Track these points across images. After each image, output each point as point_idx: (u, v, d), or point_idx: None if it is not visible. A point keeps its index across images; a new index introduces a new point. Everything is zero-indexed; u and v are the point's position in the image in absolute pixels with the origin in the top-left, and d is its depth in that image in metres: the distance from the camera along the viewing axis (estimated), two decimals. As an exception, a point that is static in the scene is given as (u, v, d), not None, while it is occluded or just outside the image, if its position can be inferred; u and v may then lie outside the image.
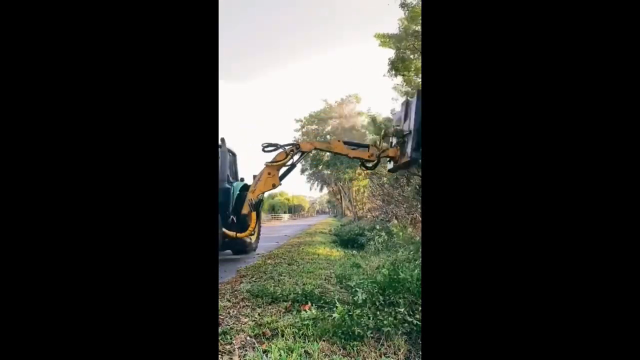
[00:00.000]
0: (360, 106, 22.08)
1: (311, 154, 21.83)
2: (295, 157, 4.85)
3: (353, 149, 4.97)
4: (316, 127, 22.24)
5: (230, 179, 6.05)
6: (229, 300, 2.78)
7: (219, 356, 1.72)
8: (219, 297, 2.87)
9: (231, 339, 1.95)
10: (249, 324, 2.19)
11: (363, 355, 1.83)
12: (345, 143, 4.82)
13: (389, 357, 1.86)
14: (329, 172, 21.08)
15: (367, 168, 5.04)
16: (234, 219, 5.40)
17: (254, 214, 5.15)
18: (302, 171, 22.37)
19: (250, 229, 5.15)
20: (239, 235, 5.15)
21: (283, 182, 5.00)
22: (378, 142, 4.88)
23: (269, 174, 4.88)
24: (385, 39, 9.68)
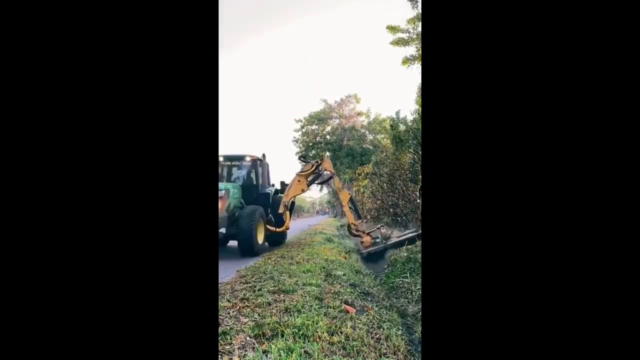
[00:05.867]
0: (360, 106, 22.07)
1: (311, 154, 21.85)
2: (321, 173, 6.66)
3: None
4: (316, 127, 22.24)
5: (271, 186, 7.32)
6: (229, 301, 2.78)
7: (219, 356, 1.72)
8: (219, 297, 2.87)
9: (231, 339, 1.95)
10: (248, 324, 2.19)
11: (363, 356, 1.83)
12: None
13: (388, 357, 1.86)
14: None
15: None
16: (272, 217, 6.68)
17: (287, 213, 6.71)
18: (302, 171, 22.35)
19: (286, 225, 6.70)
20: (278, 230, 6.53)
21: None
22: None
23: (299, 181, 6.53)
24: (396, 31, 9.54)
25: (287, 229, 7.02)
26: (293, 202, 7.25)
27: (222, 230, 5.46)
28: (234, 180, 6.93)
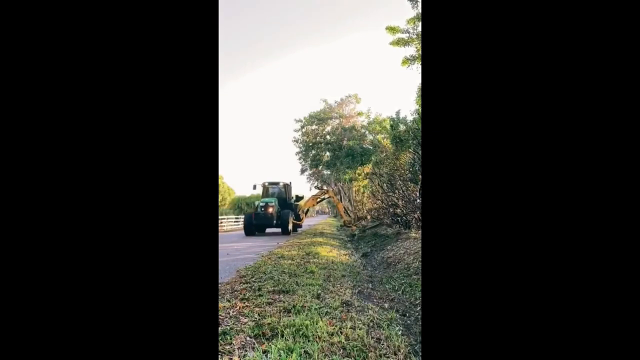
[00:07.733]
0: (360, 106, 22.04)
1: (311, 154, 21.84)
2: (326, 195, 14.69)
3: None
4: (316, 127, 22.22)
5: (293, 199, 13.37)
6: (229, 301, 2.78)
7: (219, 356, 1.72)
8: (219, 297, 2.87)
9: (231, 339, 1.95)
10: (248, 324, 2.19)
11: (363, 356, 1.83)
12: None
13: (388, 357, 1.86)
14: (328, 172, 21.06)
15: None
16: (294, 216, 12.62)
17: (303, 215, 13.88)
18: (302, 171, 22.34)
19: (302, 221, 13.64)
20: (298, 222, 13.05)
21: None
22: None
23: (312, 199, 14.19)
24: (396, 31, 9.42)
25: (302, 222, 13.97)
26: (308, 209, 14.57)
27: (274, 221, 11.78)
28: (272, 195, 13.08)
